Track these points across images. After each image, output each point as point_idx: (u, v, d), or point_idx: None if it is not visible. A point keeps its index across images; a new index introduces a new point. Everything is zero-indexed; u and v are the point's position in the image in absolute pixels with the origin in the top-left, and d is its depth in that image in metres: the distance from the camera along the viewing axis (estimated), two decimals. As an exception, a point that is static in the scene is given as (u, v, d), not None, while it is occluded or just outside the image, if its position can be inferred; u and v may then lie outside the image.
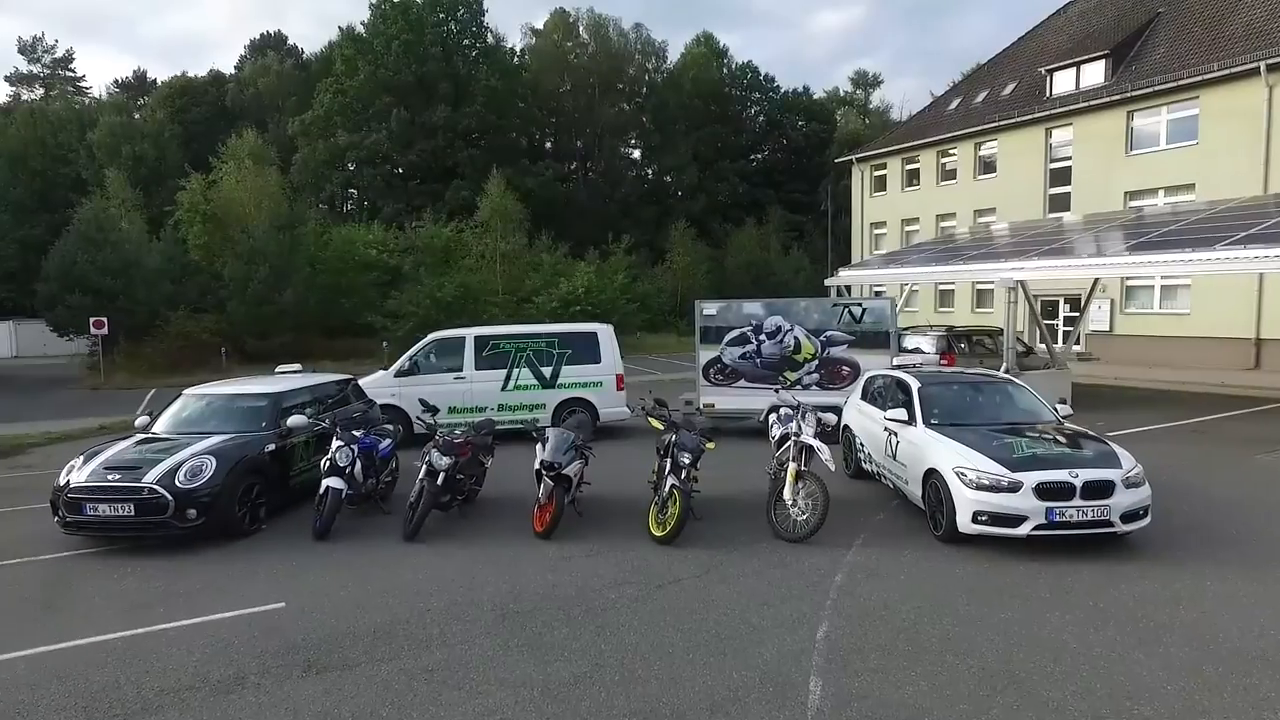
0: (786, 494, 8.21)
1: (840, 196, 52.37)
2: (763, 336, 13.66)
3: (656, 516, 8.29)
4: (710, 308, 13.97)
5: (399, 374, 13.69)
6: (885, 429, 9.39)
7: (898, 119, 56.46)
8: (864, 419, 10.38)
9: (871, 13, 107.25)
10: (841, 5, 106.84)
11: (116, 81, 57.06)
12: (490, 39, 50.10)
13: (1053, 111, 29.86)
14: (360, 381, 13.72)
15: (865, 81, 63.91)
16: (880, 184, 38.31)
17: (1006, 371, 15.25)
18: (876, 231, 38.49)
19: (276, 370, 11.78)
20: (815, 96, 59.83)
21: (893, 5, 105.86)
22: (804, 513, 8.10)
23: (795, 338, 13.54)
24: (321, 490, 8.61)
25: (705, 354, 13.99)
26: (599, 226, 47.08)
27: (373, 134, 44.45)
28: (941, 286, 34.41)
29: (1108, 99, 27.88)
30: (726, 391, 13.91)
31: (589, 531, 8.60)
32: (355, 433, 9.14)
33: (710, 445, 8.72)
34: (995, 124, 31.90)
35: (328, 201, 46.48)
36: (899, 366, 10.35)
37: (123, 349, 30.89)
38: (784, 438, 8.87)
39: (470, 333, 14.06)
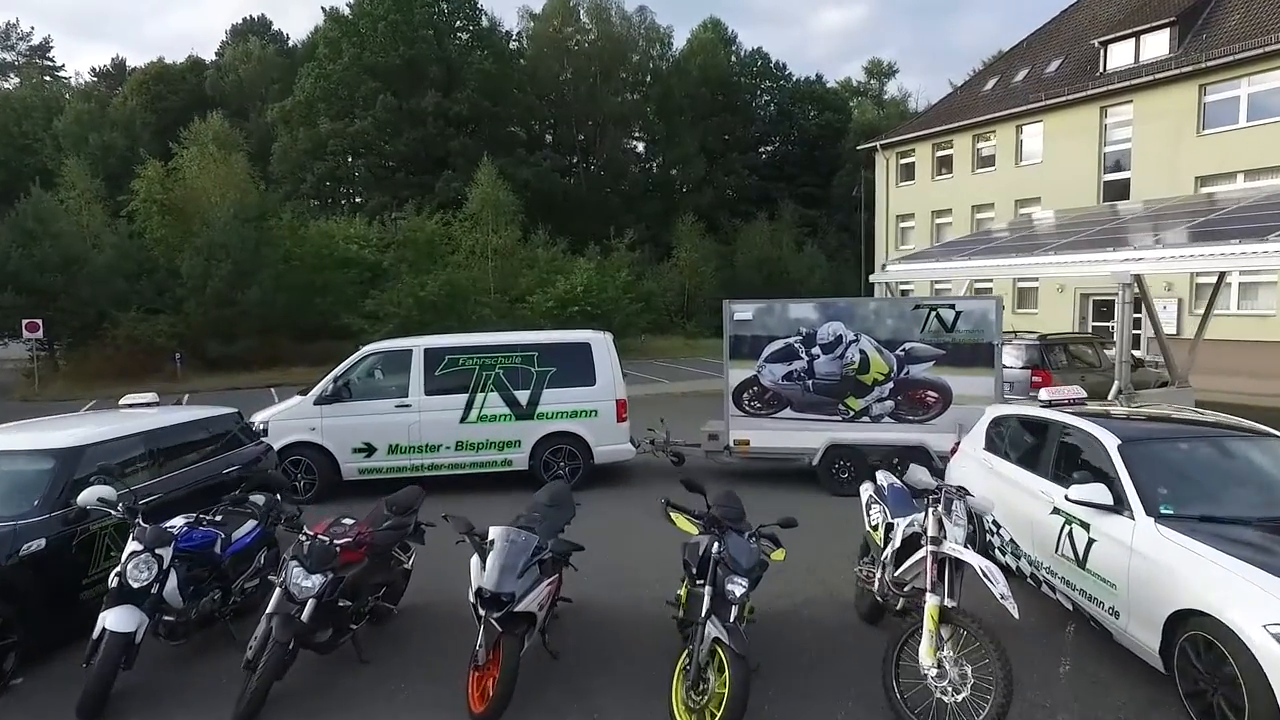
0: (924, 654, 4.38)
1: (859, 189, 48.58)
2: (816, 349, 9.84)
3: (686, 698, 4.44)
4: (744, 311, 10.15)
5: (321, 401, 9.89)
6: (1057, 511, 5.58)
7: (915, 110, 52.53)
8: (998, 483, 6.53)
9: (875, 11, 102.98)
10: (845, 4, 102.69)
11: (94, 70, 53.40)
12: (485, 21, 46.33)
13: (1109, 88, 25.99)
14: (267, 412, 9.97)
15: (879, 71, 59.90)
16: (907, 173, 34.44)
17: (1120, 392, 11.48)
18: (903, 225, 34.64)
19: (122, 403, 7.98)
20: (829, 86, 55.87)
21: (896, 3, 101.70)
22: (959, 689, 4.29)
23: (861, 351, 9.73)
24: (96, 633, 4.82)
25: (737, 373, 10.18)
26: (600, 221, 43.27)
27: (357, 121, 40.64)
28: (977, 284, 30.55)
29: (1176, 71, 24.02)
30: (766, 424, 10.10)
31: (567, 706, 4.81)
32: (173, 524, 5.35)
33: (778, 555, 4.95)
34: (1041, 103, 28.03)
35: (310, 194, 42.67)
36: (1052, 402, 6.51)
37: (64, 354, 27.23)
38: (912, 543, 5.01)
39: (419, 345, 10.25)
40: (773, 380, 10.02)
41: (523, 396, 10.13)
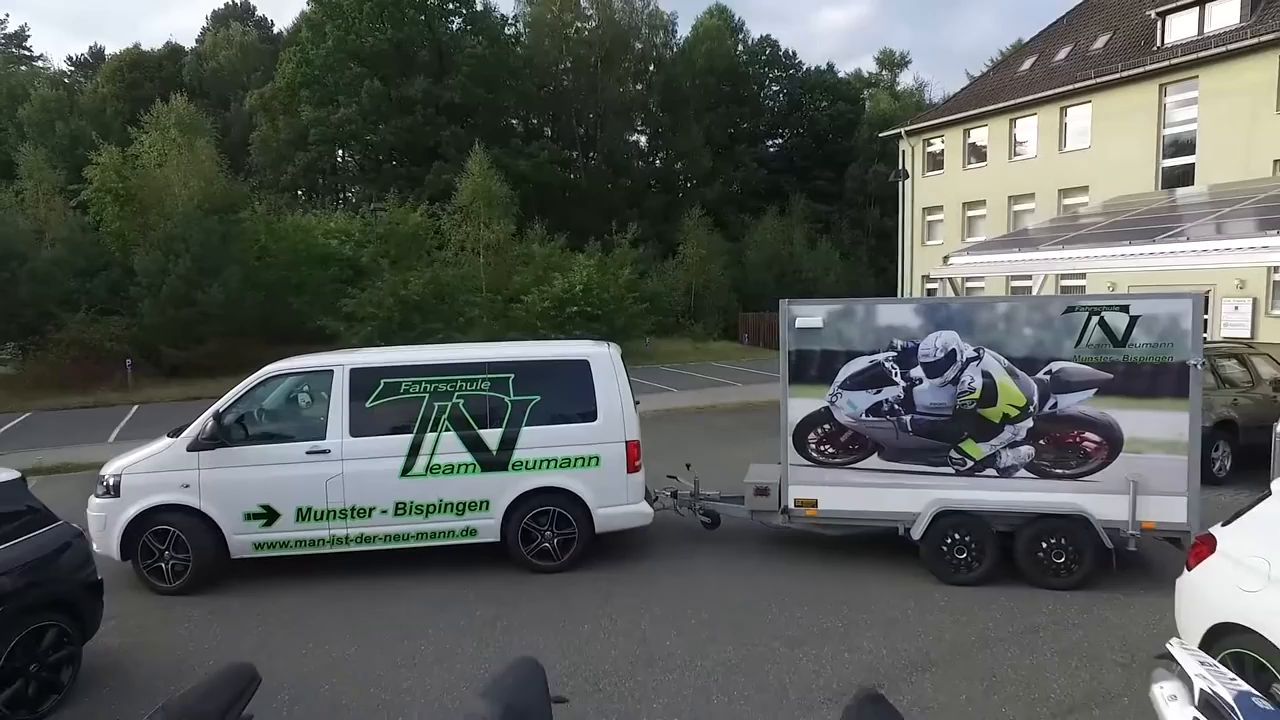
0: None
1: (873, 183, 45.53)
2: (917, 371, 6.68)
3: None
4: (811, 315, 6.94)
5: (199, 445, 6.71)
6: None
7: (931, 100, 49.36)
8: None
9: (873, 10, 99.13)
10: (843, 3, 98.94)
11: (70, 59, 50.11)
12: (478, 5, 43.11)
13: (1172, 62, 22.84)
14: (119, 462, 6.82)
15: (891, 61, 56.60)
16: (934, 162, 31.28)
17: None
18: (930, 218, 31.44)
19: None
20: (840, 76, 52.53)
21: (895, 3, 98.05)
22: None
23: (984, 374, 6.57)
24: None
25: (800, 404, 6.99)
26: (600, 217, 40.12)
27: (341, 109, 37.39)
28: (1014, 281, 27.40)
29: (1251, 41, 20.92)
30: (843, 477, 6.93)
31: None
32: None
33: None
34: (1090, 81, 24.87)
35: (291, 186, 39.38)
36: None
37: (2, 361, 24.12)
38: None
39: (343, 363, 7.05)
40: (853, 415, 6.85)
41: (492, 438, 6.96)
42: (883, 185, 45.01)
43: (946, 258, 13.76)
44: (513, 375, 7.04)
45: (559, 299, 28.03)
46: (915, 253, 31.28)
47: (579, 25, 46.73)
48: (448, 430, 6.91)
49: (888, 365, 6.74)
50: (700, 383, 23.32)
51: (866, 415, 6.82)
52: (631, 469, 7.13)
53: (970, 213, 29.64)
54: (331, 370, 6.95)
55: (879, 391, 6.77)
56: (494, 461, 6.95)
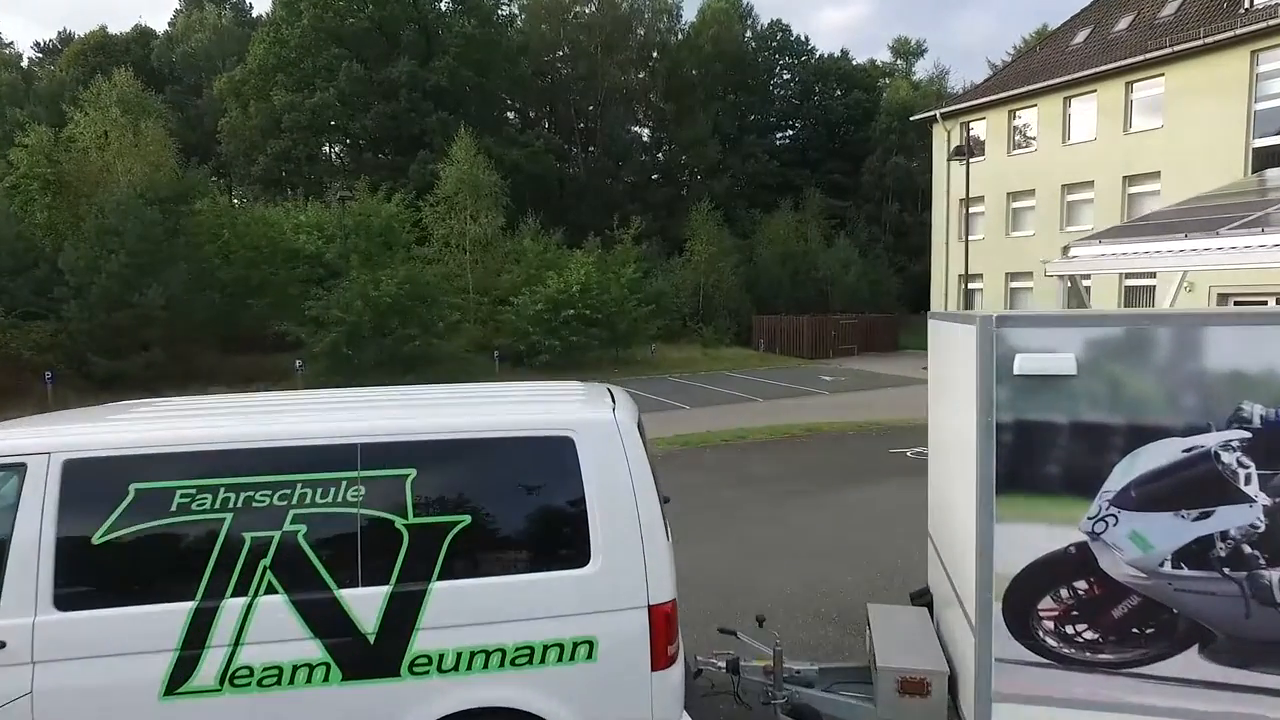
0: None
1: (891, 176, 41.87)
2: (1298, 472, 2.95)
3: None
4: (1051, 346, 3.20)
5: None
6: None
7: (953, 90, 45.66)
8: None
9: (873, 9, 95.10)
10: (843, 3, 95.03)
11: (37, 44, 46.39)
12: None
13: (1269, 24, 19.17)
14: None
15: (907, 50, 52.76)
16: (974, 148, 27.50)
17: None
18: (968, 210, 27.68)
19: None
20: (855, 63, 48.70)
21: (894, 3, 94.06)
22: None
23: None
24: None
25: (1023, 533, 3.24)
26: (601, 210, 36.49)
27: (318, 93, 33.64)
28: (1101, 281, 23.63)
29: (1371, -4, 17.22)
30: (1117, 690, 3.19)
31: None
32: None
33: None
34: (1165, 51, 21.22)
35: (263, 178, 35.55)
36: None
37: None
38: None
39: (49, 448, 3.28)
40: (1144, 563, 3.13)
41: (368, 607, 3.22)
42: (901, 178, 41.40)
43: (1067, 248, 10.04)
44: (413, 472, 3.30)
45: (554, 300, 24.40)
46: (951, 248, 27.62)
47: (578, 9, 43.08)
48: (272, 592, 3.18)
49: (1228, 459, 3.02)
50: (716, 397, 19.68)
51: (1174, 564, 3.10)
52: (661, 662, 3.39)
53: (1015, 204, 26.04)
54: (22, 464, 3.22)
55: (1206, 515, 3.06)
56: (370, 660, 3.21)
